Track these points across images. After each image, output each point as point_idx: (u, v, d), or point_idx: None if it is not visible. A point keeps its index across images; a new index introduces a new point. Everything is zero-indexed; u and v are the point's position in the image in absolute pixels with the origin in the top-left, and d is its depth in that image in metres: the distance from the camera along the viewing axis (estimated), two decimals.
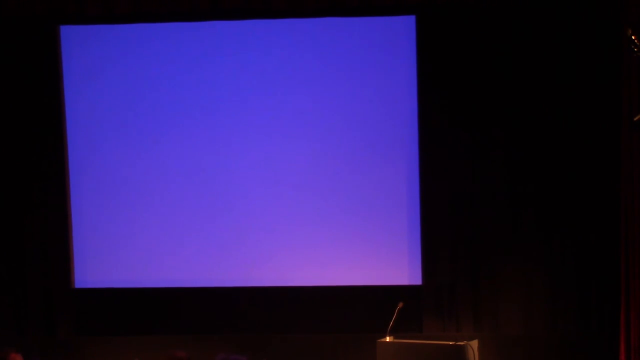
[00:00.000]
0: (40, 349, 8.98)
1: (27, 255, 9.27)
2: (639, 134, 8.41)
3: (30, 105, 9.21)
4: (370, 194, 9.05)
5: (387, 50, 9.00)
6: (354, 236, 9.07)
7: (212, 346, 8.94)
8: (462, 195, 8.90)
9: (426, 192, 8.95)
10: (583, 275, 8.81)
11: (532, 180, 8.86)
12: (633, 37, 6.95)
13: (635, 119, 8.05)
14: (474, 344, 7.81)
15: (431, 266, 8.96)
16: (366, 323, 8.90)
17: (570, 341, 8.76)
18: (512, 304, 8.89)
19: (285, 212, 9.12)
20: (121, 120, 9.23)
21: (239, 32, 9.10)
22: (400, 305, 8.16)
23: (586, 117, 8.77)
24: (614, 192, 8.66)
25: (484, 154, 8.89)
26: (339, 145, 9.07)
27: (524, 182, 8.87)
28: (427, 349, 7.80)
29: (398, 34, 9.01)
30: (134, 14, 9.00)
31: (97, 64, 9.21)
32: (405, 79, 8.99)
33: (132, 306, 9.28)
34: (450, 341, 7.81)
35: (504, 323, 8.91)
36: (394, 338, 7.99)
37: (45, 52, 9.20)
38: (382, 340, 7.99)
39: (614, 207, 8.67)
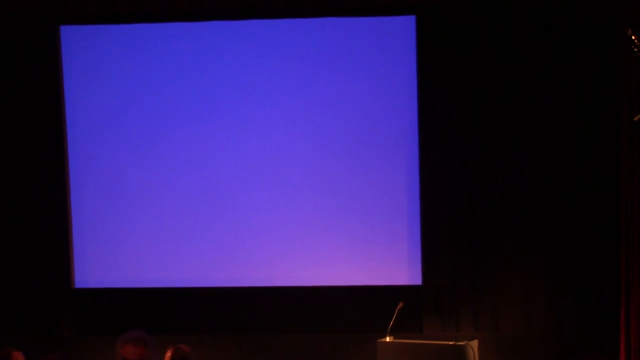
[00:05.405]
0: (40, 349, 8.97)
1: (27, 255, 9.27)
2: (639, 134, 8.41)
3: (30, 105, 9.21)
4: (370, 193, 9.05)
5: (387, 50, 8.99)
6: (354, 236, 9.06)
7: (212, 346, 8.94)
8: (462, 195, 8.90)
9: (426, 192, 8.95)
10: (583, 275, 8.81)
11: (532, 180, 8.85)
12: (633, 37, 6.94)
13: (635, 119, 8.04)
14: (474, 344, 7.82)
15: (431, 266, 8.96)
16: (366, 323, 8.89)
17: (570, 341, 8.76)
18: (512, 304, 8.88)
19: (285, 212, 9.12)
20: (121, 120, 9.23)
21: (239, 32, 9.10)
22: (400, 305, 8.17)
23: (586, 117, 8.77)
24: (614, 192, 8.66)
25: (484, 154, 8.89)
26: (339, 145, 9.07)
27: (524, 182, 8.87)
28: (427, 349, 7.81)
29: (398, 34, 9.00)
30: (134, 14, 8.99)
31: (97, 64, 9.21)
32: (405, 79, 8.99)
33: (132, 306, 9.27)
34: (450, 341, 7.82)
35: (504, 323, 8.90)
36: (394, 338, 8.00)
37: (45, 52, 9.20)
38: (382, 340, 8.00)
39: (613, 207, 8.67)
